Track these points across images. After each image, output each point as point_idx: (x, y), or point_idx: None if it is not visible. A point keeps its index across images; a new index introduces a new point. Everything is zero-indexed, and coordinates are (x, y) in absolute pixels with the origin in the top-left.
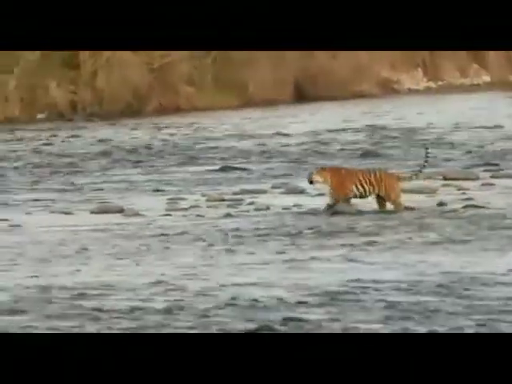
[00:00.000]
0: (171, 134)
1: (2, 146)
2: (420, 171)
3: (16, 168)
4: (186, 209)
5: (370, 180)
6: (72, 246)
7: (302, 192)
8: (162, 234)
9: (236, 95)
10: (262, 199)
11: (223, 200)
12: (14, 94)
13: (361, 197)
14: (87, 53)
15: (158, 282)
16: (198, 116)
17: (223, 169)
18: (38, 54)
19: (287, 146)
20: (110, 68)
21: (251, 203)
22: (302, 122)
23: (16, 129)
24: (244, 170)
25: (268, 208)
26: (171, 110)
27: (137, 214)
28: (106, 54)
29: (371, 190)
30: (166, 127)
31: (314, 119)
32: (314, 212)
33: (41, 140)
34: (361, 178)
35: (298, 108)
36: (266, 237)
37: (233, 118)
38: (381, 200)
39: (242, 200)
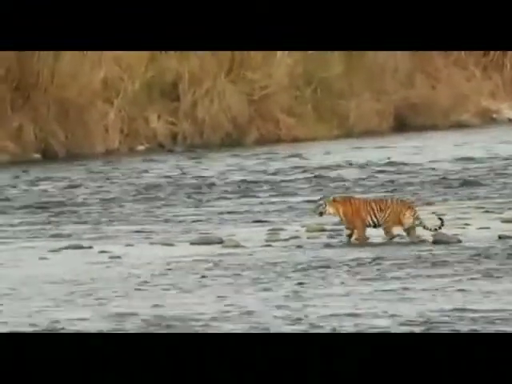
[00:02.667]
0: (271, 165)
1: (102, 177)
2: (440, 228)
3: (117, 199)
4: (286, 239)
5: (381, 208)
6: (173, 278)
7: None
8: (266, 264)
9: (336, 126)
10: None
11: (323, 230)
12: (114, 125)
13: (374, 226)
14: (186, 84)
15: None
16: (299, 146)
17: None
18: (137, 85)
19: (387, 175)
20: (209, 99)
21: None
22: (403, 152)
23: (116, 160)
24: None
25: (368, 238)
26: (271, 141)
27: (237, 245)
28: (206, 85)
29: (381, 218)
30: (266, 158)
31: (414, 149)
32: (413, 242)
33: (142, 172)
34: (374, 207)
35: (399, 138)
36: (370, 266)
37: (333, 149)
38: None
39: (342, 230)
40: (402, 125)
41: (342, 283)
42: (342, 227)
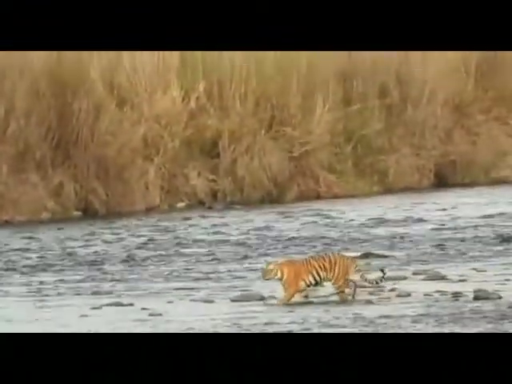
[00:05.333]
0: (313, 222)
1: (146, 234)
2: (381, 280)
3: (160, 257)
4: (326, 296)
5: (324, 265)
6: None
7: (443, 278)
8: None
9: (376, 182)
10: (402, 285)
11: (364, 287)
12: (154, 182)
13: (316, 285)
14: (226, 141)
15: None
16: (338, 203)
17: (365, 255)
18: (177, 142)
19: (426, 232)
20: (249, 156)
21: (393, 290)
22: (441, 209)
23: (158, 218)
24: (385, 256)
25: (409, 295)
26: (311, 198)
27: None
28: (246, 141)
29: (325, 275)
30: (306, 215)
31: (453, 205)
32: (456, 298)
33: (181, 229)
34: (316, 266)
35: (437, 195)
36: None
37: (373, 205)
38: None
39: (383, 287)
40: (441, 182)
41: None
42: (381, 284)
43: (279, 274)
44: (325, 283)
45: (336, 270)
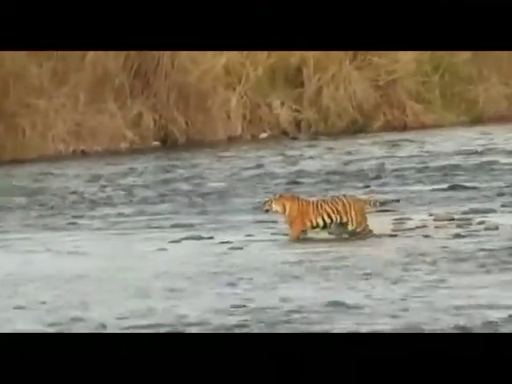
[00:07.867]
0: (398, 153)
1: (222, 164)
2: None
3: (235, 189)
4: (412, 229)
5: (337, 209)
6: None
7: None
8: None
9: (465, 111)
10: (491, 218)
11: (452, 219)
12: (236, 111)
13: (324, 227)
14: (311, 70)
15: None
16: (426, 133)
17: (452, 187)
18: (260, 70)
19: None
20: (334, 85)
21: (481, 223)
22: None
23: (239, 147)
24: (473, 188)
25: (497, 228)
26: (398, 128)
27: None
28: (331, 70)
29: (338, 219)
30: (394, 145)
31: None
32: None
33: (264, 158)
34: (328, 209)
35: None
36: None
37: (462, 135)
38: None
39: (471, 219)
40: None
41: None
42: (469, 216)
43: (277, 208)
44: (333, 227)
45: (353, 214)
